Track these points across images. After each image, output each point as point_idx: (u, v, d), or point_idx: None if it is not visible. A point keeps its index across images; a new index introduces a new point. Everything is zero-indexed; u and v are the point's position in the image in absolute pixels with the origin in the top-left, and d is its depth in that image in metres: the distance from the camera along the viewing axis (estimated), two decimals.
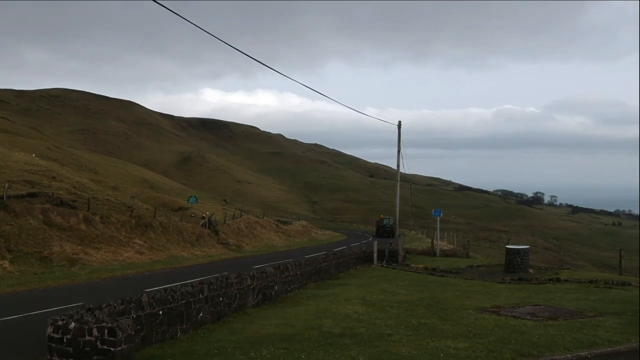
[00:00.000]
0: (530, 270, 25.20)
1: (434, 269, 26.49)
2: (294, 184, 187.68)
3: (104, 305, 9.39)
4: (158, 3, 11.79)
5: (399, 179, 36.29)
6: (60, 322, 8.30)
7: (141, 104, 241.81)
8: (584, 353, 9.78)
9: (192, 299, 11.69)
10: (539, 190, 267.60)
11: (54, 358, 8.25)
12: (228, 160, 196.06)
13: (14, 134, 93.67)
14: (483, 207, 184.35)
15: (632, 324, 12.32)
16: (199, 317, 11.96)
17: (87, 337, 8.08)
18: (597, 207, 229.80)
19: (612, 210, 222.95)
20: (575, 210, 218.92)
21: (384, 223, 67.12)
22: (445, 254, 36.05)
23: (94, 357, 8.04)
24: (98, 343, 8.04)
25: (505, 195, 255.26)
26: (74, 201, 32.61)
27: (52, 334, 8.28)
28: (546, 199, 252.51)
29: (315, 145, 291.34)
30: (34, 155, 56.19)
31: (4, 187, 27.24)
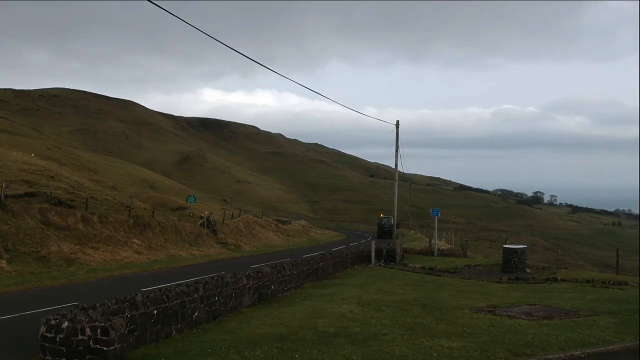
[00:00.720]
0: (528, 270, 25.23)
1: (431, 269, 26.50)
2: (294, 183, 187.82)
3: (97, 305, 9.40)
4: (157, 5, 11.80)
5: (396, 178, 36.29)
6: (53, 322, 8.32)
7: (141, 103, 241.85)
8: (577, 352, 9.78)
9: (187, 299, 11.70)
10: (539, 190, 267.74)
11: (47, 357, 8.27)
12: (228, 160, 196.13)
13: (13, 133, 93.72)
14: (483, 206, 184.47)
15: (627, 323, 12.32)
16: (194, 316, 11.97)
17: (80, 337, 8.10)
18: (597, 207, 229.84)
19: (612, 210, 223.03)
20: (575, 210, 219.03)
21: (383, 223, 64.42)
22: (443, 253, 36.08)
23: (87, 357, 8.06)
24: (91, 342, 8.06)
25: (505, 195, 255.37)
26: (72, 201, 32.64)
27: (46, 334, 8.30)
28: (546, 199, 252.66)
29: (315, 145, 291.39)
30: (32, 155, 56.25)
31: (1, 187, 27.25)
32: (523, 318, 13.16)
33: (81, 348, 8.08)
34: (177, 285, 12.27)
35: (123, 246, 29.14)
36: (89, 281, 21.10)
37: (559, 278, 21.92)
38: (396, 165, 35.83)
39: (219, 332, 11.50)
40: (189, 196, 51.15)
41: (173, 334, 11.10)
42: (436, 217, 37.42)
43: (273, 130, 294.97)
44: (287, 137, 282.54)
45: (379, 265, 28.83)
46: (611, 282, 20.32)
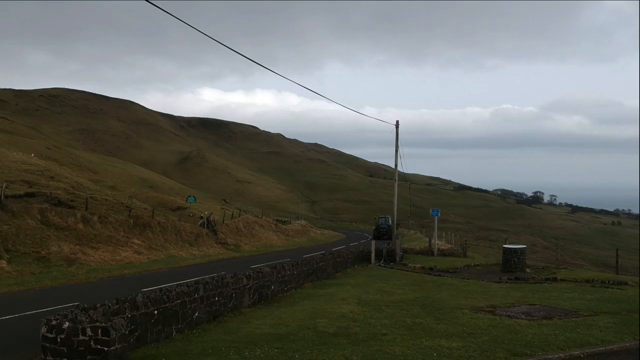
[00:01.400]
0: (527, 270, 25.26)
1: (431, 269, 26.53)
2: (293, 183, 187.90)
3: (98, 305, 9.41)
4: (157, 7, 11.82)
5: (396, 178, 36.29)
6: (54, 322, 8.34)
7: (141, 103, 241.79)
8: (577, 352, 9.80)
9: (187, 299, 11.72)
10: (539, 190, 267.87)
11: (48, 357, 8.29)
12: (227, 159, 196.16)
13: (13, 133, 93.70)
14: (482, 206, 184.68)
15: (627, 323, 12.35)
16: (194, 316, 11.99)
17: (81, 337, 8.12)
18: (597, 207, 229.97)
19: (612, 210, 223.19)
20: (574, 209, 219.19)
21: (380, 223, 58.52)
22: (442, 253, 36.11)
23: (88, 357, 8.08)
24: (92, 343, 8.09)
25: (505, 194, 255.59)
26: (71, 201, 32.63)
27: (46, 334, 8.32)
28: (546, 199, 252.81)
29: (315, 144, 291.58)
30: (32, 155, 56.22)
31: (1, 187, 27.24)
32: (523, 318, 13.18)
33: (82, 348, 8.10)
34: (177, 285, 12.27)
35: (123, 246, 29.16)
36: (89, 281, 21.12)
37: (558, 278, 21.95)
38: (396, 165, 35.83)
39: (219, 332, 11.52)
40: (188, 196, 51.18)
41: (173, 334, 11.12)
42: (436, 217, 37.47)
43: (272, 130, 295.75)
44: (286, 137, 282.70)
45: (379, 265, 28.86)
46: (611, 282, 20.34)
